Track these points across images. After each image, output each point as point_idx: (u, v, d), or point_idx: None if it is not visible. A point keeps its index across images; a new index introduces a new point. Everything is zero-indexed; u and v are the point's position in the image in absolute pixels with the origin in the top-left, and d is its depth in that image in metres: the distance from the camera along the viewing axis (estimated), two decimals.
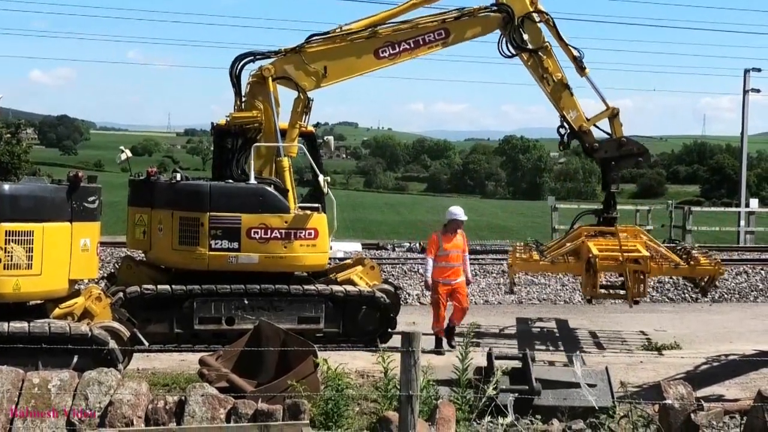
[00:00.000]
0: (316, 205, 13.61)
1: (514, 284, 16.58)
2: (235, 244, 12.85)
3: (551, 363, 10.20)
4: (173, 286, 12.68)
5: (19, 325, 9.51)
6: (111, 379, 7.77)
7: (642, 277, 13.67)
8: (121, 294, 12.44)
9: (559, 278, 19.80)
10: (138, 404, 7.57)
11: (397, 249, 24.16)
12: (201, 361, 9.75)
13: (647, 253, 13.82)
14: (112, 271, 15.66)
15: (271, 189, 13.17)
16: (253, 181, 13.27)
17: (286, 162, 13.55)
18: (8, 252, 9.51)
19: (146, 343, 11.06)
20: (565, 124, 14.84)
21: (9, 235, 9.53)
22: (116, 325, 10.53)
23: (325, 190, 13.78)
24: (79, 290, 10.85)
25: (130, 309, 11.99)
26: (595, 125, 14.90)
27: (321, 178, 13.69)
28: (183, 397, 7.70)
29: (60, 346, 9.49)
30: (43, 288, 9.86)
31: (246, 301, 12.79)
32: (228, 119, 13.80)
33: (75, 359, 9.51)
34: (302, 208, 13.35)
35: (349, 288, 13.39)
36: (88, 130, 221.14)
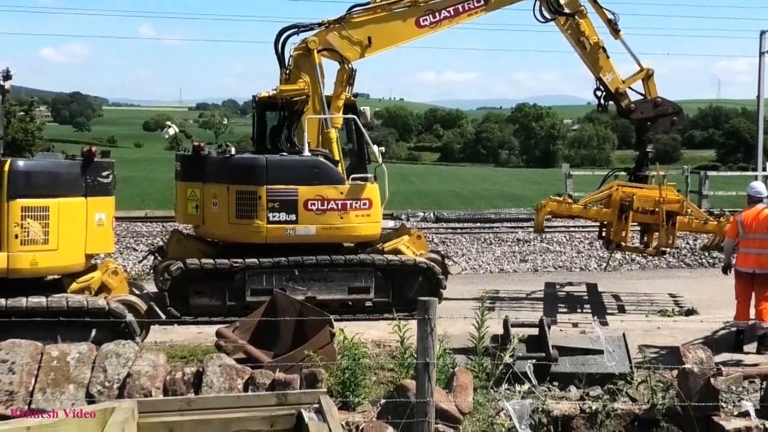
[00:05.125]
0: (369, 175, 13.72)
1: (543, 223, 15.32)
2: (293, 217, 12.92)
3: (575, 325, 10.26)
4: (231, 260, 12.72)
5: (36, 300, 9.57)
6: (129, 351, 7.82)
7: (673, 226, 13.81)
8: (181, 265, 12.58)
9: (574, 245, 19.74)
10: (156, 375, 7.63)
11: (411, 219, 24.16)
12: (218, 333, 9.80)
13: (681, 197, 14.17)
14: (161, 245, 15.77)
15: (324, 160, 13.20)
16: (306, 153, 13.30)
17: (333, 133, 13.62)
18: (25, 228, 9.56)
19: (163, 316, 11.13)
20: (601, 86, 14.94)
21: (25, 211, 9.59)
22: (133, 298, 10.59)
23: (380, 160, 14.01)
24: (96, 265, 10.91)
25: (182, 281, 12.42)
26: (630, 87, 14.97)
27: (376, 149, 13.97)
28: (201, 368, 7.75)
29: (78, 319, 9.55)
30: (59, 263, 9.92)
31: (297, 273, 12.84)
32: (275, 92, 13.79)
33: (93, 333, 9.57)
34: (354, 179, 13.39)
35: (405, 258, 13.39)
36: (101, 107, 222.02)
